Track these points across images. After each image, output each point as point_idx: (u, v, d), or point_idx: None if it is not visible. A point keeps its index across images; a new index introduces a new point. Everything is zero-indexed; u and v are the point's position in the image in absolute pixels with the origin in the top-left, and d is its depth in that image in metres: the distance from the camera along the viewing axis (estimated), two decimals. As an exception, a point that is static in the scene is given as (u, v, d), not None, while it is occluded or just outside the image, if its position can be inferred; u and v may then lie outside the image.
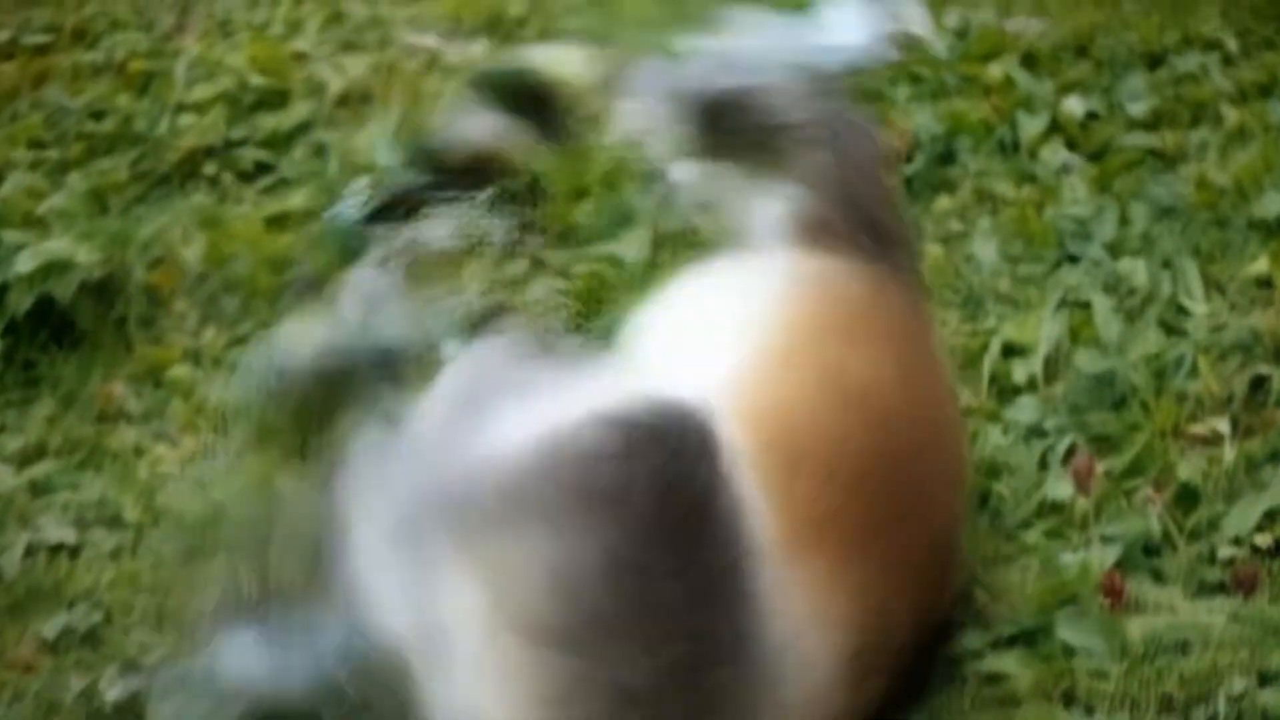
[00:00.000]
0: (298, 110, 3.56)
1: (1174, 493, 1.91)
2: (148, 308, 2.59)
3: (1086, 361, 2.04)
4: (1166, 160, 3.01)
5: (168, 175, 3.35)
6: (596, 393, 1.28)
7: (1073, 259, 2.53)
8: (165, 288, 2.64)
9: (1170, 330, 2.17)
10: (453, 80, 3.79)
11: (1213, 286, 2.30)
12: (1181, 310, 2.23)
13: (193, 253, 2.73)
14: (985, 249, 2.54)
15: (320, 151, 3.39)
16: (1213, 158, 2.91)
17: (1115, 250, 2.56)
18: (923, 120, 3.33)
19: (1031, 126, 3.19)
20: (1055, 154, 3.04)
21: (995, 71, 3.74)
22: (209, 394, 2.39)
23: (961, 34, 4.09)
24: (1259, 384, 2.03)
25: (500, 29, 4.52)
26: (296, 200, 3.11)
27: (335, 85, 3.72)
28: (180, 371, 2.43)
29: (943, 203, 2.91)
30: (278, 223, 3.02)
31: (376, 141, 3.35)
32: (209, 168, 3.36)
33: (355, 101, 3.66)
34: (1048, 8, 4.48)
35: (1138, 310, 2.29)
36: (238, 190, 3.24)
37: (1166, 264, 2.44)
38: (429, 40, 4.34)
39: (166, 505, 2.09)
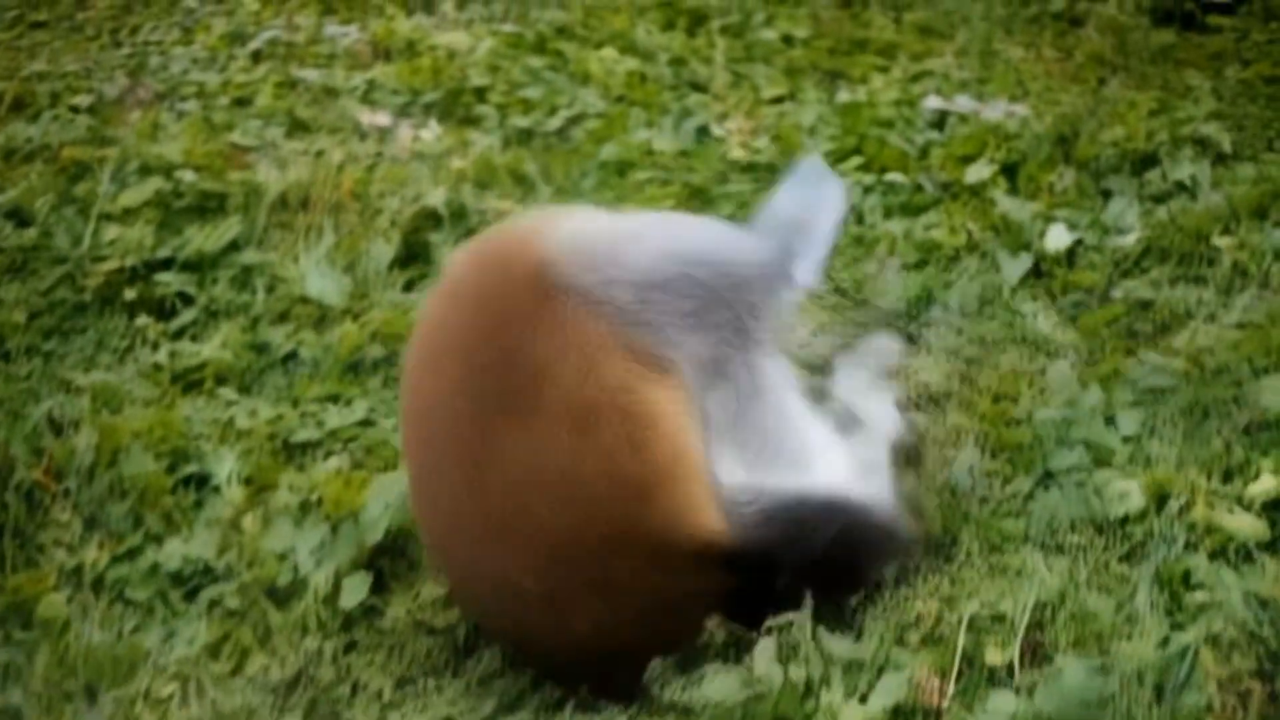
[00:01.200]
0: (229, 223, 3.17)
1: None
2: (26, 515, 2.21)
3: (1072, 671, 1.66)
4: (1157, 323, 2.62)
5: (84, 305, 2.96)
6: None
7: (1052, 477, 2.14)
8: (48, 488, 2.26)
9: (1169, 613, 1.79)
10: (397, 178, 3.41)
11: (1214, 542, 1.92)
12: (1185, 582, 1.84)
13: (84, 440, 2.34)
14: (965, 461, 2.16)
15: (247, 279, 3.01)
16: (1208, 337, 2.52)
17: (1099, 458, 2.18)
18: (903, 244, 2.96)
19: (1012, 270, 2.80)
20: (1036, 314, 2.65)
21: (974, 176, 3.36)
22: (81, 635, 2.02)
23: (939, 124, 3.70)
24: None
25: (459, 102, 4.12)
26: (210, 350, 2.72)
27: (274, 189, 3.32)
28: (54, 604, 2.07)
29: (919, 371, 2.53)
30: (185, 383, 2.63)
31: (308, 271, 2.97)
32: (129, 293, 2.97)
33: (294, 207, 3.27)
34: (1027, 88, 4.09)
35: (1132, 564, 1.92)
36: (153, 330, 2.84)
37: (1160, 494, 2.05)
38: (381, 119, 3.94)
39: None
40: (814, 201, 2.12)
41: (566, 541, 1.57)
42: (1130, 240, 2.90)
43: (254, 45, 4.77)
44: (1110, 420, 2.28)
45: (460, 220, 3.18)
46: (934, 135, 3.61)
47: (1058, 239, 2.88)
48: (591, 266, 1.62)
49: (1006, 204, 3.07)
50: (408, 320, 2.65)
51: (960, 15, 4.90)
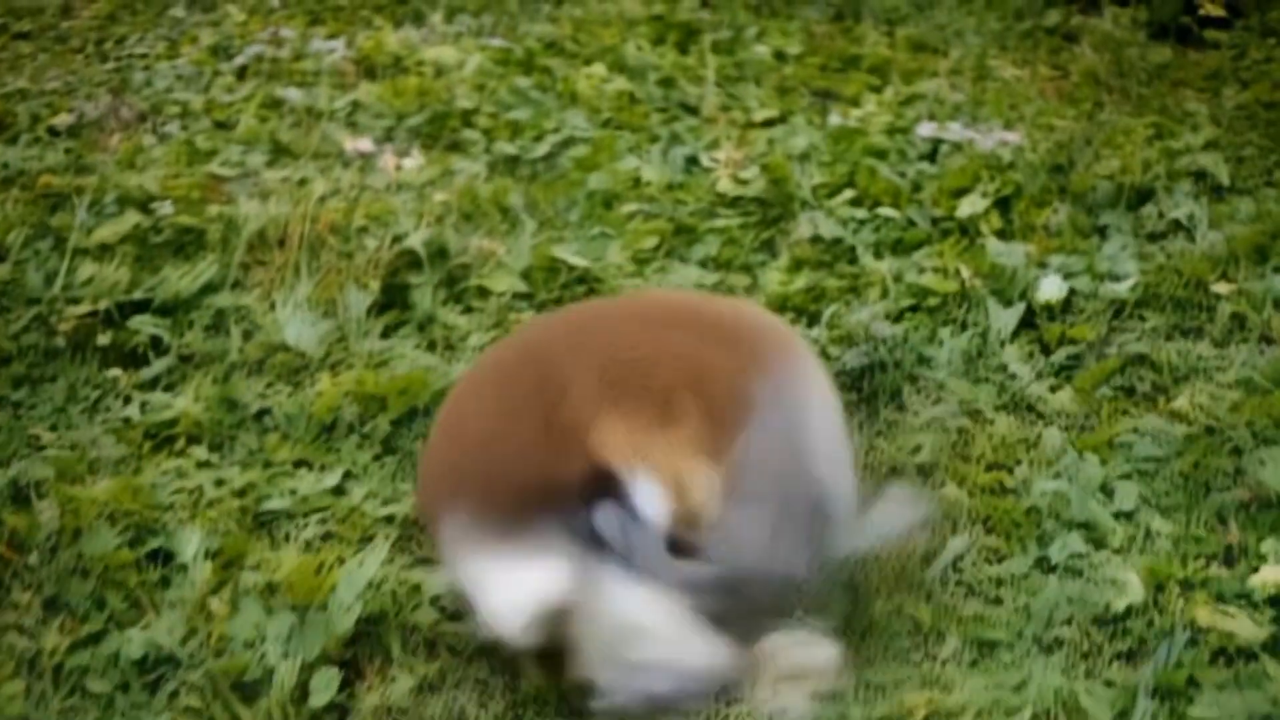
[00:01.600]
0: (205, 263, 3.05)
1: None
2: (-15, 593, 2.10)
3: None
4: (1154, 381, 2.51)
5: (56, 350, 2.84)
6: None
7: (1047, 562, 2.04)
8: (7, 564, 2.15)
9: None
10: (378, 212, 3.29)
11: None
12: (1186, 692, 1.74)
13: (48, 511, 2.23)
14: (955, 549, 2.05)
15: (222, 323, 2.89)
16: (1206, 397, 2.41)
17: (1096, 539, 2.08)
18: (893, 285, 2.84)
19: (1003, 322, 2.69)
20: (1029, 373, 2.54)
21: (966, 209, 3.24)
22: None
23: (931, 153, 3.59)
24: None
25: (444, 126, 3.99)
26: (182, 404, 2.60)
27: (252, 223, 3.20)
28: (11, 694, 1.96)
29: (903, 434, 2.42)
30: (155, 440, 2.52)
31: (284, 318, 2.85)
32: (101, 338, 2.85)
33: (272, 243, 3.15)
34: (1021, 111, 3.97)
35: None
36: (124, 380, 2.73)
37: (1159, 583, 1.95)
38: (364, 145, 3.82)
39: None
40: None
41: None
42: (1126, 287, 2.78)
43: (239, 60, 4.65)
44: (1107, 493, 2.17)
45: (440, 262, 3.07)
46: (926, 166, 3.49)
47: (1051, 289, 2.76)
48: None
49: (998, 248, 2.95)
50: (383, 379, 2.53)
51: (954, 29, 4.78)
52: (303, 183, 3.57)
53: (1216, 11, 4.74)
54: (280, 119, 4.04)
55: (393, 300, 2.98)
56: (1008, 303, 2.74)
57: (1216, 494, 2.16)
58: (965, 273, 2.84)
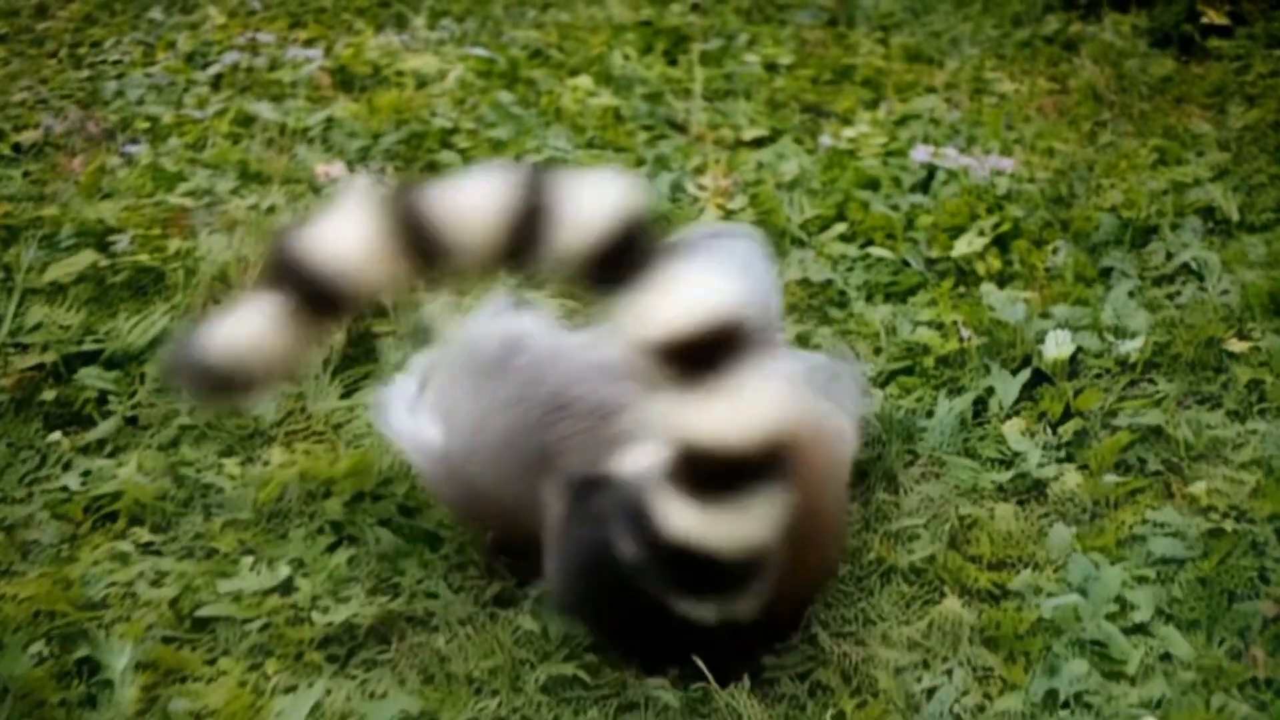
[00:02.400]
0: (161, 310, 2.80)
1: None
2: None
3: None
4: (1168, 459, 2.26)
5: (-1, 409, 2.60)
6: None
7: (1054, 697, 1.79)
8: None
9: None
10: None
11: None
12: None
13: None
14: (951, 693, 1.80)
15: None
16: (1224, 481, 2.16)
17: (1109, 669, 1.83)
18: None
19: (1006, 389, 2.43)
20: (1034, 451, 2.29)
21: (963, 248, 2.99)
22: None
23: (924, 184, 3.33)
24: None
25: (421, 147, 3.73)
26: (126, 473, 2.36)
27: (213, 263, 2.95)
28: None
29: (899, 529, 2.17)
30: (96, 516, 2.27)
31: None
32: (47, 393, 2.60)
33: (234, 284, 2.90)
34: (1019, 133, 3.70)
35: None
36: (67, 445, 2.48)
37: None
38: (336, 169, 3.55)
39: None
40: None
41: None
42: (1135, 347, 2.53)
43: (215, 69, 4.37)
44: (1120, 603, 1.92)
45: (410, 307, 2.81)
46: (920, 199, 3.23)
47: (1057, 347, 2.51)
48: None
49: (998, 298, 2.70)
50: (332, 459, 2.28)
51: (950, 37, 4.50)
52: (271, 211, 3.31)
53: (1220, 19, 4.46)
54: (251, 138, 3.77)
55: (358, 350, 2.73)
56: (1009, 365, 2.49)
57: (1239, 604, 1.92)
58: (965, 331, 2.58)
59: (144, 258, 3.00)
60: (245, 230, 3.15)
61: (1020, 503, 2.18)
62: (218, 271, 2.95)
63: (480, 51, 4.33)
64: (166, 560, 2.16)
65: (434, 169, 3.59)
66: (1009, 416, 2.39)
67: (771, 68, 4.24)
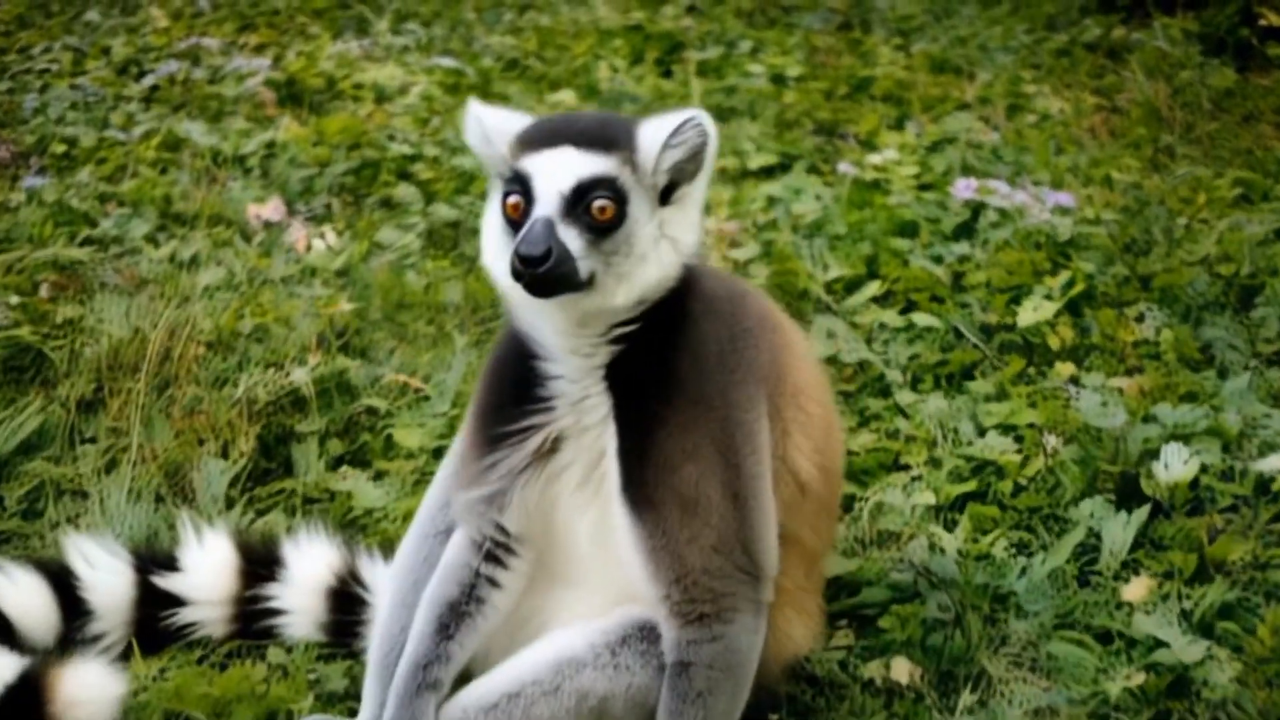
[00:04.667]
0: (32, 411, 2.13)
1: None
2: None
3: None
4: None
5: None
6: None
7: None
8: None
9: None
10: (269, 318, 2.38)
11: None
12: None
13: None
14: None
15: (39, 500, 1.98)
16: None
17: None
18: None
19: (1115, 534, 1.77)
20: (1169, 629, 1.62)
21: (1028, 318, 2.33)
22: None
23: (969, 226, 2.66)
24: None
25: (376, 180, 3.05)
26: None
27: (107, 338, 2.28)
28: None
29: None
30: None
31: (113, 509, 1.93)
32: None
33: (123, 371, 2.23)
34: (1073, 161, 3.03)
35: None
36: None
37: None
38: (272, 210, 2.88)
39: None
40: None
41: None
42: (1275, 466, 1.87)
43: (149, 79, 3.69)
44: None
45: (339, 401, 2.16)
46: (967, 248, 2.57)
47: (1173, 468, 1.84)
48: None
49: (1088, 400, 2.03)
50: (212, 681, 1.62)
51: (977, 44, 3.83)
52: (193, 264, 2.64)
53: (1279, 21, 3.78)
54: (179, 168, 3.09)
55: (271, 457, 2.07)
56: (1109, 488, 1.83)
57: None
58: (1049, 440, 1.92)
59: (23, 332, 2.33)
60: (153, 293, 2.48)
61: (1161, 717, 1.52)
62: (110, 351, 2.28)
63: (448, 62, 3.65)
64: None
65: (389, 206, 2.92)
66: (1124, 572, 1.72)
67: (779, 80, 3.56)
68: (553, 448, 1.47)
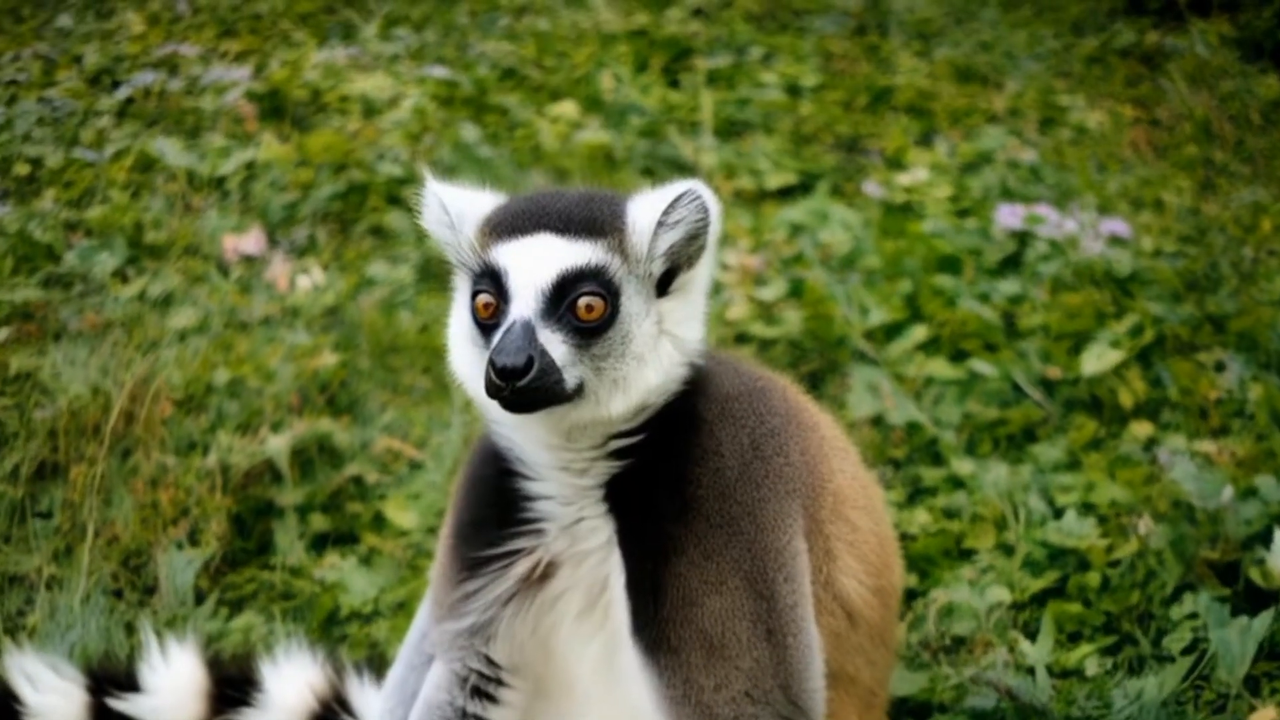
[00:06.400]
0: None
1: None
2: None
3: None
4: None
5: None
6: None
7: None
8: None
9: None
10: (246, 370, 2.09)
11: None
12: None
13: None
14: None
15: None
16: None
17: None
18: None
19: (1232, 647, 1.50)
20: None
21: (1094, 366, 2.05)
22: None
23: (1015, 259, 2.38)
24: None
25: (364, 206, 2.76)
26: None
27: (64, 397, 1.99)
28: None
29: None
30: None
31: (66, 618, 1.65)
32: None
33: (83, 437, 1.94)
34: (1119, 181, 2.75)
35: None
36: None
37: None
38: (251, 242, 2.59)
39: None
40: None
41: None
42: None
43: (122, 91, 3.39)
44: None
45: (323, 471, 1.87)
46: (1016, 286, 2.29)
47: (1285, 558, 1.57)
48: None
49: (1181, 470, 1.75)
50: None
51: (1002, 49, 3.54)
52: (164, 303, 2.35)
53: (1320, 25, 3.50)
54: (151, 192, 2.79)
55: (247, 534, 1.79)
56: (1213, 580, 1.55)
57: None
58: (1141, 525, 1.64)
59: (-23, 387, 2.04)
60: (118, 338, 2.19)
61: None
62: (68, 412, 1.98)
63: (440, 72, 3.35)
64: None
65: (379, 235, 2.63)
66: (1249, 693, 1.44)
67: (794, 90, 3.28)
68: (545, 574, 1.20)
